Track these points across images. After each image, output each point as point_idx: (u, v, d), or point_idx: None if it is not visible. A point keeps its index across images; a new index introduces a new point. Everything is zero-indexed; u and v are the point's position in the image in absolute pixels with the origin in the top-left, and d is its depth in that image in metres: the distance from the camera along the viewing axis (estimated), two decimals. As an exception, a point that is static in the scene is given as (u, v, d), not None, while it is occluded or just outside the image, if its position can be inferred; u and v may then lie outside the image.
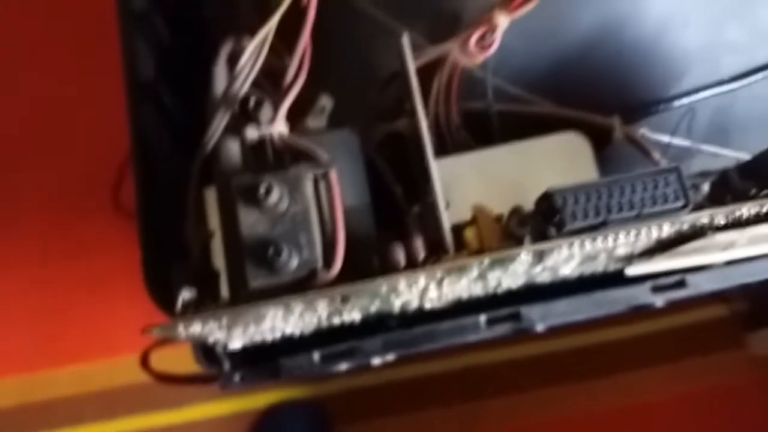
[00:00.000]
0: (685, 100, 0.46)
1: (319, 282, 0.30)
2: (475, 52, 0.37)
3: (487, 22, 0.36)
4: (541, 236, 0.31)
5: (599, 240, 0.31)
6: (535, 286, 0.44)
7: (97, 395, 0.89)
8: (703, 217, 0.31)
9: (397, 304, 0.37)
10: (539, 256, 0.31)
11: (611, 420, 0.91)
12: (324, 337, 0.44)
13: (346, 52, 0.46)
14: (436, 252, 0.32)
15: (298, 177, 0.31)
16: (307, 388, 0.89)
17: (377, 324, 0.43)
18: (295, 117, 0.44)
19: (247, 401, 0.89)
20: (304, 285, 0.30)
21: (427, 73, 0.44)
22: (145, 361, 0.48)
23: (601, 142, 0.45)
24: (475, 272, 0.32)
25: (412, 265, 0.31)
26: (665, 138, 0.47)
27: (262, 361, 0.42)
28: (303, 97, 0.45)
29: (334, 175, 0.31)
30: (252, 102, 0.31)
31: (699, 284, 0.42)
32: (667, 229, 0.31)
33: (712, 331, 0.93)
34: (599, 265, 0.40)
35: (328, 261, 0.30)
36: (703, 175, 0.35)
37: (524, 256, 0.31)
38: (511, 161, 0.41)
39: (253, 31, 0.35)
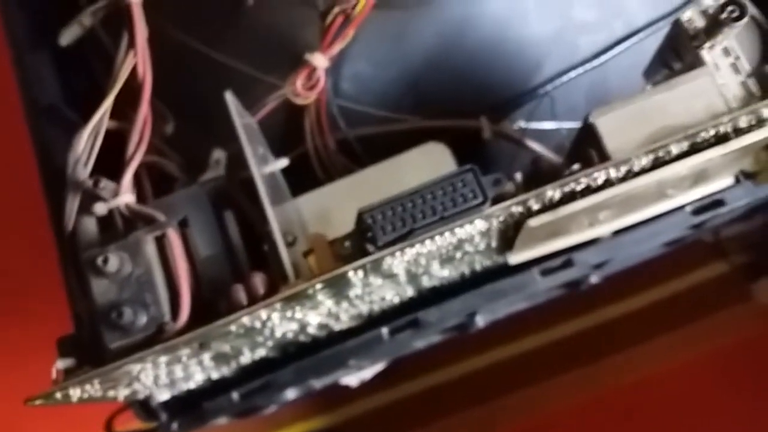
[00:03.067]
0: (549, 86, 0.47)
1: (168, 335, 0.33)
2: (304, 92, 0.40)
3: (308, 64, 0.39)
4: (363, 253, 0.33)
5: (417, 246, 0.33)
6: (446, 289, 0.46)
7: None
8: (514, 206, 0.33)
9: (280, 335, 0.39)
10: (366, 272, 0.33)
11: (632, 394, 0.90)
12: (252, 374, 0.46)
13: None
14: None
15: (137, 242, 0.34)
16: (326, 417, 0.91)
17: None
18: (198, 173, 0.48)
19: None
20: (156, 339, 0.33)
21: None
22: (108, 427, 0.52)
23: (477, 145, 0.47)
24: (319, 296, 0.35)
25: (253, 301, 0.33)
26: (547, 125, 0.49)
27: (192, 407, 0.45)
28: (199, 153, 0.48)
29: (172, 233, 0.34)
30: (91, 182, 0.34)
31: (587, 260, 0.44)
32: (481, 225, 0.33)
33: (716, 289, 0.93)
34: (476, 261, 0.42)
35: (176, 314, 0.33)
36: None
37: (352, 273, 0.33)
38: (380, 181, 0.43)
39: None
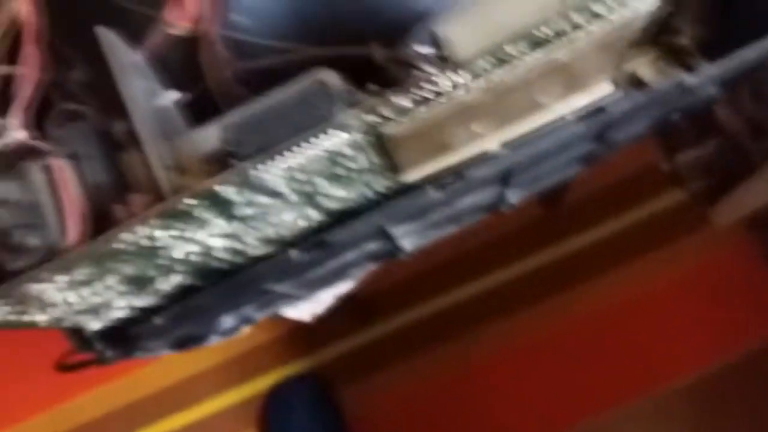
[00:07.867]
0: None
1: (58, 255, 0.36)
2: (178, 22, 0.42)
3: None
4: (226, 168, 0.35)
5: (277, 158, 0.35)
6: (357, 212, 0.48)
7: (118, 413, 0.97)
8: (364, 114, 0.35)
9: (182, 256, 0.42)
10: (238, 187, 0.36)
11: (601, 322, 0.93)
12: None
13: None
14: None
15: (23, 171, 0.37)
16: (305, 361, 0.95)
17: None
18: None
19: (252, 387, 0.95)
20: (48, 260, 0.36)
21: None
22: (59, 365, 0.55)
23: (375, 72, 0.48)
24: (203, 214, 0.37)
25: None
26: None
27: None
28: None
29: (55, 162, 0.37)
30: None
31: (475, 174, 0.46)
32: (341, 136, 0.36)
33: (676, 216, 0.94)
34: (371, 181, 0.44)
35: (65, 235, 0.36)
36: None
37: (220, 188, 0.36)
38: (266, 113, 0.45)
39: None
